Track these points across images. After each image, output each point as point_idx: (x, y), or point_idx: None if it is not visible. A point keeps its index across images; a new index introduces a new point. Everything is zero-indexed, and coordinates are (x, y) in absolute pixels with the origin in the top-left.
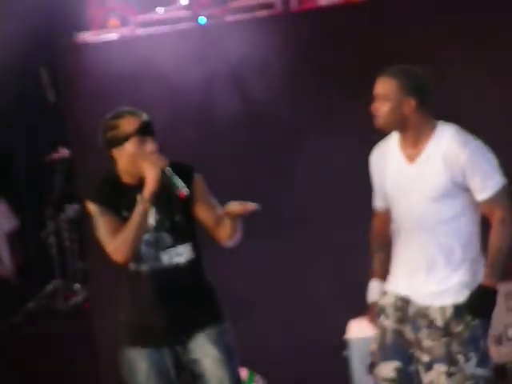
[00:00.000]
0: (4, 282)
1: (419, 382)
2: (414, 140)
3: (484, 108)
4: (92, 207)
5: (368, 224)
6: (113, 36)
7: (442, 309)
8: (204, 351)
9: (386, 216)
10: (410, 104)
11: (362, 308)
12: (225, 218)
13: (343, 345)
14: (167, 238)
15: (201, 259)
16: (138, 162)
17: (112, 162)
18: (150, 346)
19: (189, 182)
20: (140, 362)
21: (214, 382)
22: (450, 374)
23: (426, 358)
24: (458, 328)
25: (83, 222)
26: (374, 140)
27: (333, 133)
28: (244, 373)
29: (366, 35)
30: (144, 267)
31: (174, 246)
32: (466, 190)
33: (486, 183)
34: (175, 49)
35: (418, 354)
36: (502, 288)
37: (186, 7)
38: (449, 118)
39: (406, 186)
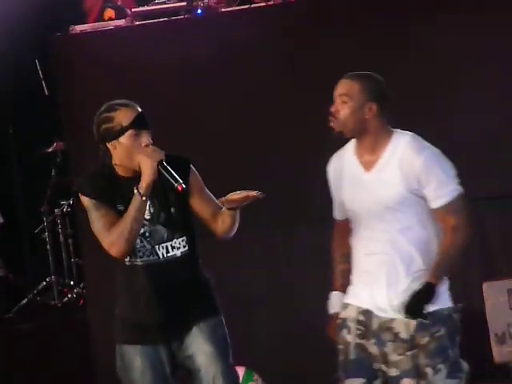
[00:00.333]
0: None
1: None
2: (371, 147)
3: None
4: (86, 201)
5: None
6: (109, 28)
7: (406, 321)
8: (198, 346)
9: (346, 226)
10: (372, 108)
11: None
12: (224, 210)
13: None
14: (163, 231)
15: (197, 252)
16: (134, 155)
17: (106, 154)
18: (145, 343)
19: (185, 174)
20: (135, 358)
21: (208, 378)
22: None
23: (394, 373)
24: (424, 340)
25: (78, 217)
26: None
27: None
28: (242, 372)
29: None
30: (139, 261)
31: (169, 239)
32: (422, 197)
33: (441, 191)
34: (171, 40)
35: (384, 368)
36: (506, 286)
37: None
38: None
39: (363, 194)
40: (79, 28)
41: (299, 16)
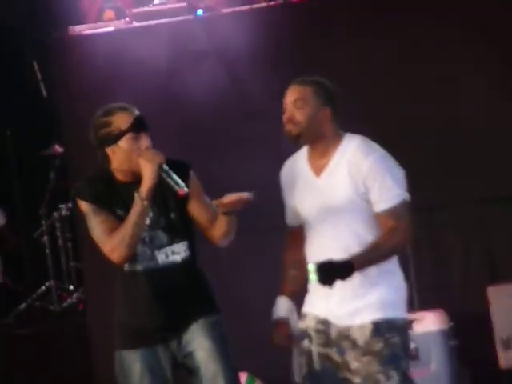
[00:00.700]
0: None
1: None
2: (322, 152)
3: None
4: (84, 206)
5: None
6: (108, 29)
7: (362, 327)
8: (198, 343)
9: (299, 232)
10: (326, 113)
11: None
12: (219, 215)
13: None
14: (163, 236)
15: (196, 257)
16: (134, 158)
17: (105, 159)
18: (144, 346)
19: (184, 179)
20: (134, 362)
21: (208, 375)
22: None
23: (356, 380)
24: (378, 346)
25: (77, 221)
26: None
27: None
28: (244, 377)
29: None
30: (139, 267)
31: (169, 244)
32: (370, 202)
33: (385, 195)
34: (171, 41)
35: (349, 376)
36: (511, 290)
37: None
38: None
39: (313, 199)
40: (78, 29)
41: (300, 17)
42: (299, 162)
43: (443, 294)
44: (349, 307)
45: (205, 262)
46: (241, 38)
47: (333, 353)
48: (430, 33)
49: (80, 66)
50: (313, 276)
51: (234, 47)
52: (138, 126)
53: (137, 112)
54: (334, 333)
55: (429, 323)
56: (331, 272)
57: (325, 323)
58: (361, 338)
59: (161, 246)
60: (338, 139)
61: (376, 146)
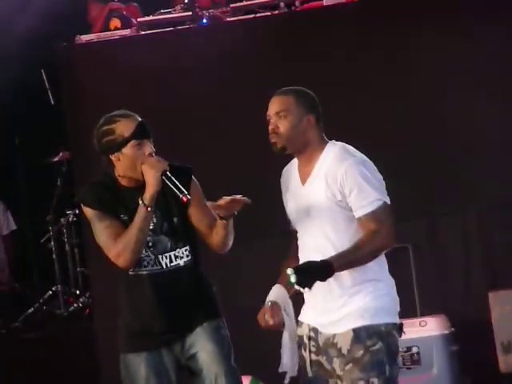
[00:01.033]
0: (4, 287)
1: None
2: (308, 159)
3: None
4: (88, 212)
5: None
6: (114, 37)
7: (344, 335)
8: (201, 346)
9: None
10: (309, 120)
11: None
12: (218, 221)
13: None
14: (166, 240)
15: (199, 261)
16: (138, 165)
17: (109, 166)
18: (148, 350)
19: (186, 184)
20: (139, 366)
21: (210, 377)
22: None
23: None
24: (359, 353)
25: (84, 227)
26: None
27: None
28: (248, 381)
29: (368, 32)
30: (143, 271)
31: (173, 249)
32: (350, 210)
33: (363, 201)
34: (176, 50)
35: (339, 383)
36: (511, 295)
37: (187, 9)
38: None
39: (300, 208)
40: (85, 38)
41: (304, 26)
42: (293, 168)
43: (445, 299)
44: (333, 316)
45: (209, 266)
46: (245, 47)
47: (323, 361)
48: (429, 46)
49: (87, 74)
50: (291, 278)
51: (238, 56)
52: (141, 133)
53: (139, 119)
54: (321, 341)
55: (431, 328)
56: (309, 274)
57: (314, 331)
58: (344, 345)
59: (164, 251)
60: (321, 146)
61: (354, 153)
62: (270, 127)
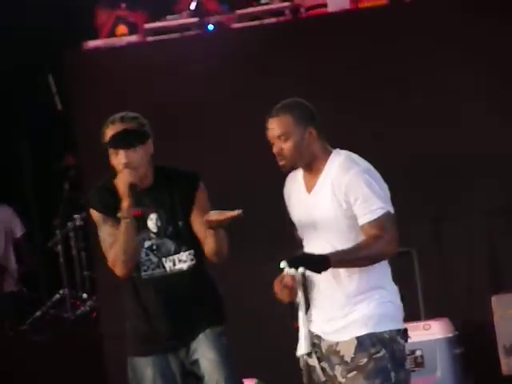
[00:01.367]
0: (12, 290)
1: None
2: (314, 169)
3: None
4: (95, 215)
5: None
6: (121, 43)
7: (348, 343)
8: (202, 353)
9: None
10: (312, 133)
11: None
12: (208, 230)
13: None
14: (170, 244)
15: (203, 265)
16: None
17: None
18: (155, 354)
19: (193, 191)
20: (146, 368)
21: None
22: None
23: None
24: (363, 361)
25: (90, 231)
26: None
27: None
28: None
29: (375, 40)
30: (146, 274)
31: (177, 252)
32: (355, 218)
33: (367, 209)
34: (183, 56)
35: None
36: None
37: (194, 15)
38: None
39: (305, 216)
40: (92, 44)
41: (309, 32)
42: (298, 177)
43: (449, 303)
44: (337, 324)
45: (214, 270)
46: (251, 53)
47: (326, 366)
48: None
49: (94, 79)
50: (280, 264)
51: (244, 62)
52: (115, 142)
53: (122, 126)
54: (324, 347)
55: (434, 331)
56: (302, 260)
57: (318, 338)
58: (347, 353)
59: (168, 254)
60: (326, 156)
61: (359, 161)
62: (275, 150)
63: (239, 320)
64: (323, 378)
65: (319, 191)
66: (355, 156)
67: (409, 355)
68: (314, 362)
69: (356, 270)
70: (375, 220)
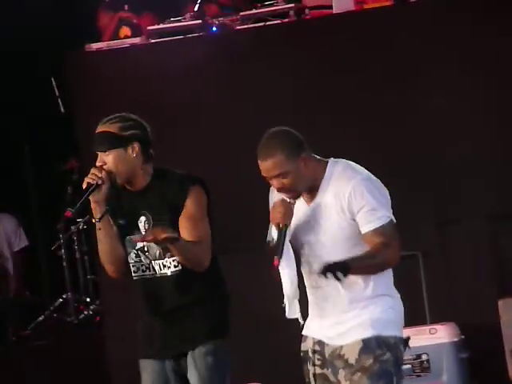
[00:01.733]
0: (15, 294)
1: None
2: (311, 180)
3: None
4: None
5: None
6: (124, 45)
7: (352, 345)
8: (190, 374)
9: None
10: (305, 160)
11: None
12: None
13: None
14: (156, 248)
15: (192, 273)
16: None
17: None
18: (153, 358)
19: (182, 196)
20: (145, 371)
21: None
22: None
23: None
24: (368, 362)
25: (94, 235)
26: None
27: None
28: None
29: (378, 41)
30: (137, 275)
31: (161, 257)
32: (357, 226)
33: (371, 217)
34: (186, 58)
35: None
36: None
37: (197, 17)
38: None
39: (305, 227)
40: (95, 46)
41: (313, 33)
42: None
43: (455, 307)
44: (341, 328)
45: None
46: (254, 55)
47: (328, 373)
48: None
49: (97, 81)
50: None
51: (248, 64)
52: (95, 144)
53: (102, 129)
54: (327, 353)
55: (440, 336)
56: (336, 267)
57: (320, 344)
58: (352, 356)
59: (155, 258)
60: (322, 167)
61: (359, 169)
62: (276, 187)
63: (239, 320)
64: None
65: (320, 201)
66: (353, 164)
67: (415, 359)
68: (312, 369)
69: (362, 276)
70: (380, 228)
